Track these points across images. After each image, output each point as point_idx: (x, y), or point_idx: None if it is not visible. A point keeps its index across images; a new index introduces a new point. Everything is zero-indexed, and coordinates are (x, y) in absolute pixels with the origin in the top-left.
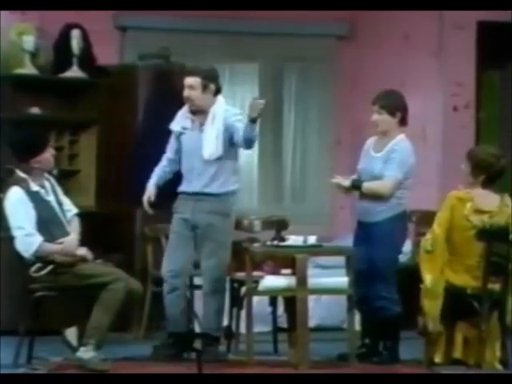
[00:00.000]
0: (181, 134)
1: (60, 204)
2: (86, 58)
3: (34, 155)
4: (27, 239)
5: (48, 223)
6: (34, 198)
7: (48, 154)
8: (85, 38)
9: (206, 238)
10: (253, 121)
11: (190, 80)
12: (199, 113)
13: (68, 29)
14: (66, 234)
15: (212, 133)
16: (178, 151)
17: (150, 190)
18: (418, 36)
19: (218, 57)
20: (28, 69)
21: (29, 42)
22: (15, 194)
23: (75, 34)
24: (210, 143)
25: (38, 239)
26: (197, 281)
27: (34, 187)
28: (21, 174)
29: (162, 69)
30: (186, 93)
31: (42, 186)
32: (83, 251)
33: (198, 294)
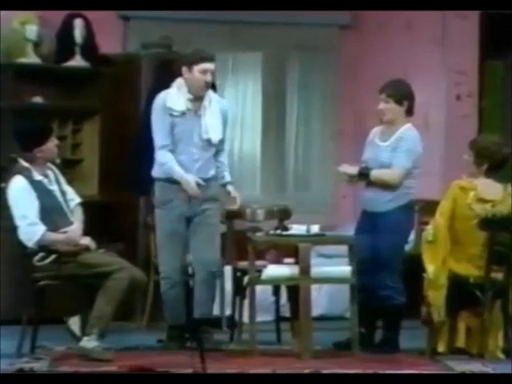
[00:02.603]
0: (183, 114)
1: (63, 193)
2: (89, 47)
3: (38, 145)
4: (31, 228)
5: (51, 212)
6: (37, 187)
7: (51, 144)
8: (87, 27)
9: (200, 223)
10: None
11: (211, 65)
12: (199, 98)
13: (71, 18)
14: (70, 223)
15: (213, 115)
16: (171, 137)
17: (193, 177)
18: (420, 25)
19: (220, 46)
20: (31, 58)
21: (31, 31)
22: (18, 183)
23: (78, 23)
24: (215, 126)
25: (41, 228)
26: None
27: (37, 176)
28: (24, 164)
29: (165, 58)
30: (210, 78)
31: (45, 176)
32: (86, 240)
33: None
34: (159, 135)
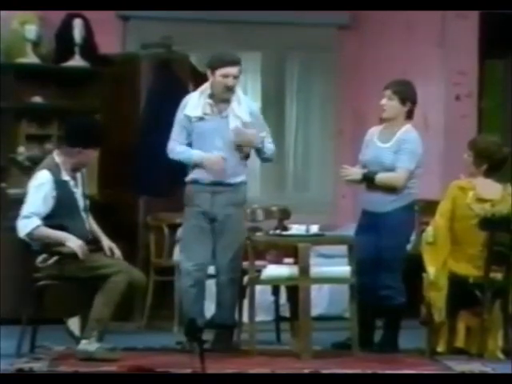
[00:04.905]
0: (201, 119)
1: (85, 197)
2: (88, 47)
3: (85, 144)
4: (23, 221)
5: (63, 213)
6: (61, 186)
7: (93, 153)
8: (87, 27)
9: (224, 229)
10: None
11: (236, 69)
12: (224, 101)
13: (70, 18)
14: (83, 228)
15: (240, 118)
16: (189, 139)
17: (216, 156)
18: (420, 25)
19: (220, 46)
20: (30, 58)
21: (31, 31)
22: (40, 179)
23: (77, 23)
24: (241, 128)
25: (33, 222)
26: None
27: (65, 176)
28: (56, 159)
29: (164, 58)
30: (232, 82)
31: (74, 178)
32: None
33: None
34: (175, 131)
